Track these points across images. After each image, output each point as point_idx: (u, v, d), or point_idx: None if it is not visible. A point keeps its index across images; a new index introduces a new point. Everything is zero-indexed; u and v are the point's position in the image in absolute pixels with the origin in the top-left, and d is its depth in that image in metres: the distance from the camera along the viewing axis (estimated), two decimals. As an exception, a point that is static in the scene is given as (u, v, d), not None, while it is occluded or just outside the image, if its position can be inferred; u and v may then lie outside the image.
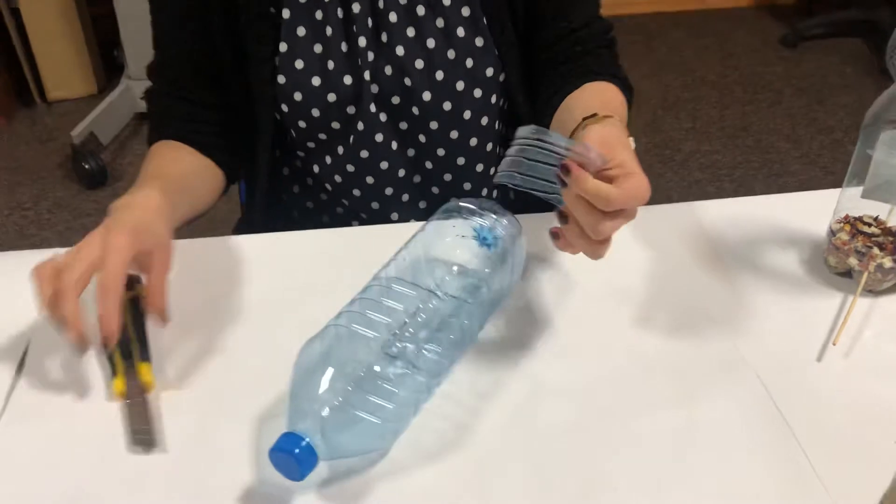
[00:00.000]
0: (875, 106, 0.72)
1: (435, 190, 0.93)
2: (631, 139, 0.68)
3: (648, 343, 0.69)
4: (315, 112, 0.84)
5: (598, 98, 0.82)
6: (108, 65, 2.71)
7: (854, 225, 0.77)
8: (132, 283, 0.72)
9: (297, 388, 0.55)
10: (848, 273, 0.76)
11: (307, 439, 0.52)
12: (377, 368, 0.56)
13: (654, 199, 0.79)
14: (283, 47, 0.82)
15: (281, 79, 0.82)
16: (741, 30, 3.18)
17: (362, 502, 0.55)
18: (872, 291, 0.75)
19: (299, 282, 0.76)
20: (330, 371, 0.55)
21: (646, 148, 2.43)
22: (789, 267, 0.78)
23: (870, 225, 0.77)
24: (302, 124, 0.85)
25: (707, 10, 3.32)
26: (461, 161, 0.91)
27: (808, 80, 2.78)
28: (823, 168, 2.32)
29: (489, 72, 0.86)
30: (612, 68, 0.89)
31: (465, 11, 0.84)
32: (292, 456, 0.51)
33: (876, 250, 0.74)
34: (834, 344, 0.69)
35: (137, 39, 2.36)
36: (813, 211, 0.82)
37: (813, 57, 2.95)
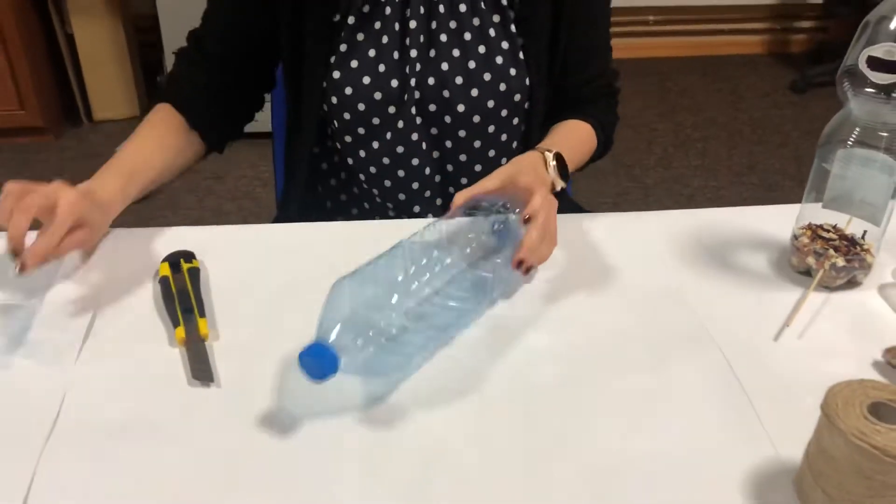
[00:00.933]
0: (828, 127, 0.84)
1: (452, 189, 1.06)
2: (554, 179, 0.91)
3: (627, 320, 0.80)
4: (361, 106, 0.97)
5: (565, 131, 1.02)
6: (150, 89, 2.88)
7: (815, 231, 0.88)
8: (190, 256, 0.85)
9: (327, 308, 0.67)
10: (808, 272, 0.87)
11: (331, 349, 0.63)
12: (402, 306, 0.68)
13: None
14: (342, 48, 0.96)
15: (336, 74, 0.96)
16: (753, 75, 3.32)
17: (392, 429, 0.67)
18: (827, 287, 0.86)
19: (336, 264, 0.88)
20: (357, 299, 0.67)
21: (655, 182, 2.55)
22: (758, 265, 0.90)
23: (828, 231, 0.88)
24: (346, 116, 0.99)
25: (721, 56, 3.46)
26: (478, 168, 1.04)
27: (815, 123, 2.90)
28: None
29: (517, 97, 1.00)
30: (602, 115, 1.07)
31: (505, 45, 0.98)
32: (318, 358, 0.63)
33: (832, 252, 0.85)
34: (788, 325, 0.80)
35: (181, 66, 2.53)
36: (783, 220, 0.93)
37: (821, 102, 3.07)
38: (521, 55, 0.99)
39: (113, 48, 2.68)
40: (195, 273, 0.83)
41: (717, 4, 3.39)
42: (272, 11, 0.97)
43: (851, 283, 0.87)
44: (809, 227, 0.89)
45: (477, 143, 1.02)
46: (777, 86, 3.21)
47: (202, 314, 0.78)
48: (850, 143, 0.83)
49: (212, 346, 0.75)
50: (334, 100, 0.98)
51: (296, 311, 0.77)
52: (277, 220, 1.15)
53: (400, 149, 1.01)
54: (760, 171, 2.62)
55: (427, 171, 1.04)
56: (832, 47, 3.36)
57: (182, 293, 0.80)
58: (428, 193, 1.06)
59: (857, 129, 0.82)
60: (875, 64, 0.77)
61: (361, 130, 1.00)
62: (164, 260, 0.84)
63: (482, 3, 0.98)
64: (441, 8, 0.97)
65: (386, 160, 1.02)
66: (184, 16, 2.41)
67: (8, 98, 2.51)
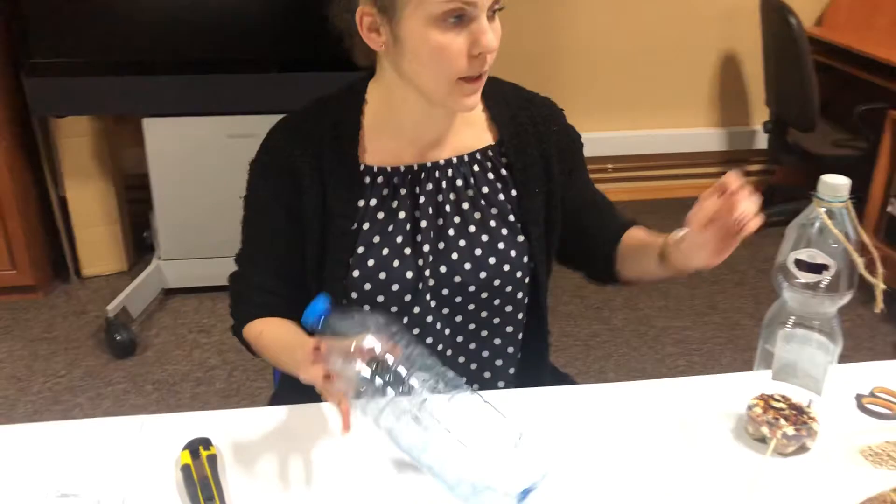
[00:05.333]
0: (769, 313, 0.98)
1: (461, 360, 1.17)
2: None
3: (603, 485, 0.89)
4: (380, 298, 1.09)
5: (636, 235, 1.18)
6: (138, 244, 3.00)
7: (767, 401, 0.99)
8: (208, 443, 0.94)
9: None
10: (763, 439, 0.98)
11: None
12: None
13: (630, 375, 1.01)
14: (360, 250, 1.09)
15: (355, 273, 1.09)
16: (708, 216, 3.53)
17: None
18: (781, 454, 0.96)
19: (337, 442, 0.97)
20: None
21: (623, 324, 2.69)
22: (720, 433, 1.00)
23: (779, 401, 0.99)
24: (367, 308, 1.10)
25: (676, 199, 3.68)
26: (484, 333, 1.17)
27: (769, 262, 3.07)
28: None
29: (518, 274, 1.13)
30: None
31: (504, 231, 1.12)
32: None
33: (782, 421, 0.96)
34: (749, 494, 0.90)
35: (169, 226, 2.66)
36: (743, 390, 1.04)
37: (773, 241, 3.27)
38: (520, 237, 1.13)
39: (104, 208, 2.81)
40: (213, 460, 0.92)
41: (670, 152, 3.64)
42: (300, 235, 1.10)
43: (802, 449, 0.97)
44: (762, 397, 1.00)
45: (484, 314, 1.15)
46: (731, 226, 3.42)
47: (223, 500, 0.86)
48: (788, 325, 0.96)
49: (233, 532, 0.83)
50: (354, 295, 1.10)
51: (302, 487, 0.85)
52: (278, 393, 1.23)
53: (416, 330, 1.12)
54: (721, 311, 2.77)
55: (440, 347, 1.15)
56: (781, 189, 3.60)
57: (203, 480, 0.88)
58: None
59: (792, 316, 0.95)
60: (802, 265, 0.91)
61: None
62: (184, 448, 0.93)
63: (482, 200, 1.12)
64: (447, 207, 1.11)
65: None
66: (174, 174, 2.57)
67: (0, 259, 2.60)
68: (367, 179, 1.10)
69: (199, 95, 2.47)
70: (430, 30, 0.95)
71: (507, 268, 1.12)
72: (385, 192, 1.10)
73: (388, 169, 1.10)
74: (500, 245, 1.12)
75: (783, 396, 1.00)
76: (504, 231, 1.13)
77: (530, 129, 1.14)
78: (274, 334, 1.10)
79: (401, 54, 0.99)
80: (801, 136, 3.21)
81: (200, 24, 2.40)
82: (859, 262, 0.91)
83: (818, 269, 0.90)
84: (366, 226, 1.09)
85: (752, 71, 3.50)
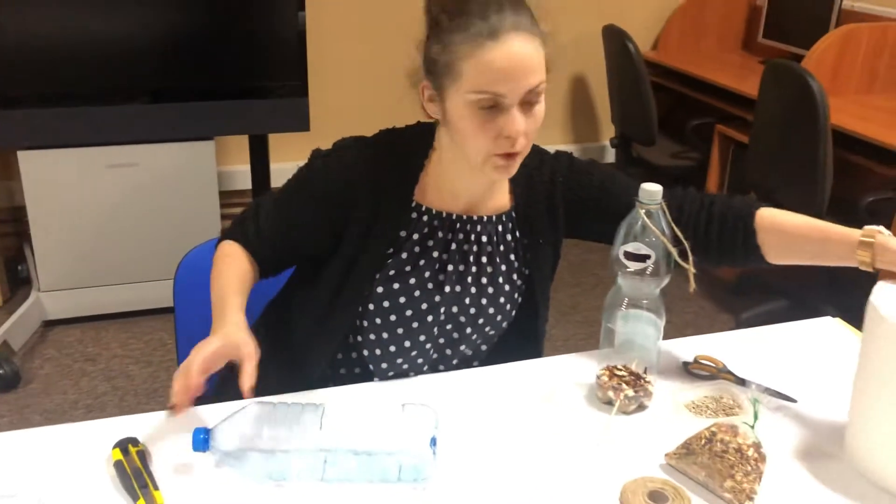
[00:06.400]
0: (608, 297, 1.19)
1: (441, 367, 1.33)
2: None
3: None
4: (392, 317, 1.24)
5: (796, 218, 1.22)
6: (11, 277, 2.96)
7: (612, 371, 1.21)
8: (136, 441, 1.05)
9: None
10: (609, 402, 1.19)
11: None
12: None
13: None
14: (391, 272, 1.23)
15: (379, 289, 1.23)
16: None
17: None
18: (625, 413, 1.18)
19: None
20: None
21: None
22: (576, 400, 1.21)
23: (621, 370, 1.21)
24: (377, 321, 1.24)
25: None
26: (469, 352, 1.35)
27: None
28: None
29: (510, 320, 1.34)
30: (740, 202, 1.28)
31: (507, 287, 1.29)
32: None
33: (624, 386, 1.18)
34: (598, 445, 1.10)
35: (48, 257, 2.67)
36: (592, 364, 1.26)
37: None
38: (516, 295, 1.31)
39: (-26, 243, 2.77)
40: (142, 455, 1.03)
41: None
42: (329, 243, 1.23)
43: (641, 407, 1.19)
44: (608, 368, 1.21)
45: (474, 336, 1.32)
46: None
47: (156, 487, 0.98)
48: (623, 307, 1.17)
49: (168, 512, 0.95)
50: (371, 306, 1.24)
51: (230, 476, 0.99)
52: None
53: (413, 352, 1.28)
54: (583, 311, 3.05)
55: (425, 367, 1.31)
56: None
57: (136, 472, 0.99)
58: (412, 373, 1.32)
59: (627, 298, 1.17)
60: (629, 256, 1.13)
61: (385, 335, 1.26)
62: (114, 446, 1.04)
63: (497, 258, 1.28)
64: (471, 258, 1.26)
65: (399, 360, 1.29)
66: (52, 205, 2.58)
67: None
68: (415, 215, 1.23)
69: (75, 127, 2.50)
70: (466, 111, 1.09)
71: (499, 318, 1.31)
72: (426, 230, 1.23)
73: (434, 211, 1.23)
74: (501, 300, 1.30)
75: (624, 366, 1.21)
76: (507, 287, 1.30)
77: (539, 186, 1.29)
78: (228, 271, 1.22)
79: (448, 124, 1.14)
80: (643, 150, 3.57)
81: (74, 56, 2.44)
82: (673, 251, 1.14)
83: (642, 258, 1.11)
84: (403, 255, 1.23)
85: (599, 92, 3.85)
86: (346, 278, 1.24)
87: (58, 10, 2.39)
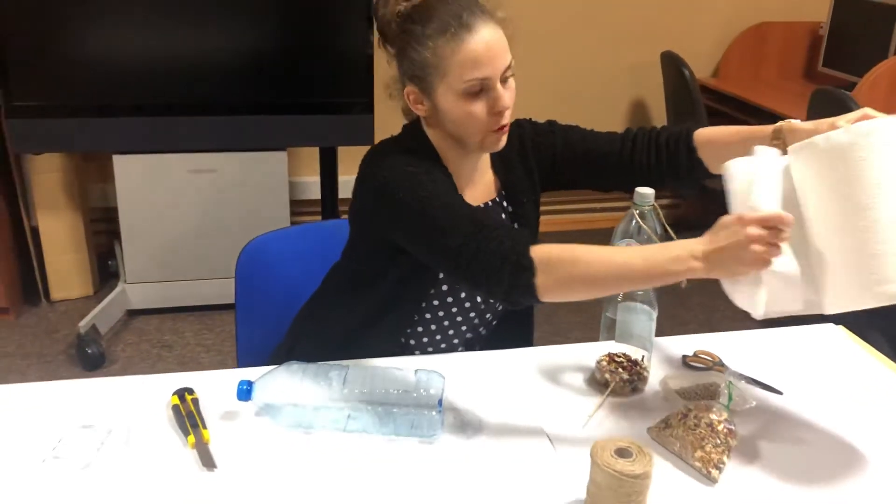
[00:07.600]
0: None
1: (469, 336, 1.51)
2: None
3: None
4: (446, 323, 1.44)
5: (725, 129, 1.37)
6: (102, 271, 3.26)
7: (612, 357, 1.34)
8: (192, 391, 1.24)
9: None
10: (606, 384, 1.32)
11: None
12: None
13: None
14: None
15: (444, 287, 1.40)
16: (623, 245, 3.93)
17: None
18: (622, 395, 1.31)
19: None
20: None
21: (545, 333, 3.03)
22: (576, 381, 1.35)
23: (619, 357, 1.34)
24: (431, 290, 1.41)
25: (596, 230, 4.08)
26: (483, 331, 1.53)
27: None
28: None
29: None
30: (676, 127, 1.45)
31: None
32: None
33: (620, 370, 1.31)
34: (590, 417, 1.24)
35: (135, 253, 2.94)
36: (594, 352, 1.39)
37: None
38: None
39: (72, 238, 3.08)
40: (196, 402, 1.22)
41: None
42: None
43: (636, 391, 1.32)
44: (608, 354, 1.35)
45: (488, 315, 1.50)
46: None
47: (205, 426, 1.17)
48: (619, 299, 1.31)
49: (212, 447, 1.14)
50: (435, 302, 1.41)
51: (269, 425, 1.17)
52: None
53: (451, 331, 1.46)
54: (585, 306, 3.15)
55: (455, 341, 1.49)
56: (686, 220, 4.03)
57: (189, 415, 1.18)
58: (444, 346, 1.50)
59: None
60: (624, 252, 1.27)
61: (433, 326, 1.44)
62: (173, 393, 1.23)
63: None
64: None
65: (438, 336, 1.46)
66: (141, 205, 2.86)
67: (-24, 283, 2.85)
68: None
69: (163, 135, 2.78)
70: (458, 101, 1.24)
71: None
72: None
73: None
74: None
75: (623, 354, 1.34)
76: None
77: (513, 155, 1.43)
78: (595, 249, 1.14)
79: (441, 117, 1.29)
80: (698, 173, 3.64)
81: (164, 71, 2.72)
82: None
83: (636, 254, 1.26)
84: None
85: (658, 115, 3.95)
86: (414, 271, 1.35)
87: (151, 31, 2.67)
